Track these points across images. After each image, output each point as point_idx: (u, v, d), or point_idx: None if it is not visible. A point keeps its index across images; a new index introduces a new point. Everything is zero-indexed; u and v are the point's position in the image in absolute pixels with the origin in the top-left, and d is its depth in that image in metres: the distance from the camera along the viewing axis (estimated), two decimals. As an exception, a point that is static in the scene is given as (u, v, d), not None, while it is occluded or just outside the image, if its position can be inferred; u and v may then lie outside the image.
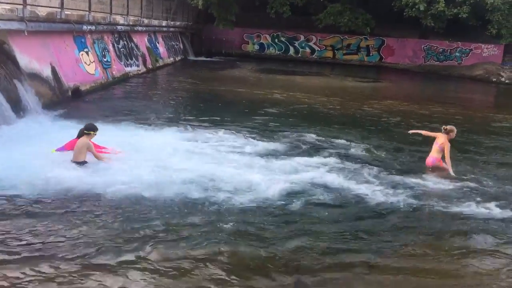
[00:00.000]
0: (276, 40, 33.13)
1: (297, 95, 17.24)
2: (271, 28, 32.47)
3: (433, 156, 8.40)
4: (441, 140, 8.36)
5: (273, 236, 5.52)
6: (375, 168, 8.24)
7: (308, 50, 32.84)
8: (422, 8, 26.79)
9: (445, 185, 7.66)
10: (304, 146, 9.56)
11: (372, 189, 7.13)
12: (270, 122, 11.88)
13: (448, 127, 8.51)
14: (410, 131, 9.54)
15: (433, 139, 8.70)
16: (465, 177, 8.07)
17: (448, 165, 8.14)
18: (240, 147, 8.96)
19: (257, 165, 7.89)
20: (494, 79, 27.53)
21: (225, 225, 5.61)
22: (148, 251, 4.92)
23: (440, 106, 16.83)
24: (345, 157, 8.90)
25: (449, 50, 30.78)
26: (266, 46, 33.13)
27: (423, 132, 9.31)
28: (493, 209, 6.74)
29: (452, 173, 8.07)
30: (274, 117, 12.62)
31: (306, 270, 4.83)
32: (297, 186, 7.05)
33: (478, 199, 7.08)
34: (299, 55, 32.78)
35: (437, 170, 8.31)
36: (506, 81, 27.08)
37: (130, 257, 4.78)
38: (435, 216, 6.49)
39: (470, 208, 6.75)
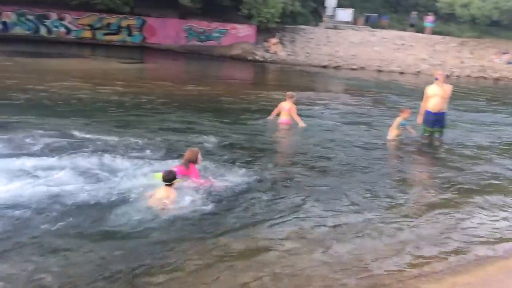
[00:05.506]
0: (23, 19, 28.79)
1: (48, 80, 14.97)
2: (15, 5, 28.00)
3: (287, 119, 10.55)
4: (288, 105, 10.55)
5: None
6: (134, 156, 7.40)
7: (63, 29, 29.48)
8: (176, -13, 26.61)
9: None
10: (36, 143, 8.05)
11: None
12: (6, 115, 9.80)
13: (291, 93, 10.72)
14: (269, 118, 10.87)
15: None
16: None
17: (299, 121, 10.49)
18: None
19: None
20: (250, 58, 29.59)
21: None
22: None
23: (207, 85, 16.94)
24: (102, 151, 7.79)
25: (208, 30, 31.72)
26: (10, 25, 28.50)
27: (274, 112, 10.85)
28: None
29: (304, 125, 10.41)
30: (10, 109, 10.50)
31: None
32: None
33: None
34: (53, 35, 29.21)
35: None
36: (260, 59, 29.42)
37: None
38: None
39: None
